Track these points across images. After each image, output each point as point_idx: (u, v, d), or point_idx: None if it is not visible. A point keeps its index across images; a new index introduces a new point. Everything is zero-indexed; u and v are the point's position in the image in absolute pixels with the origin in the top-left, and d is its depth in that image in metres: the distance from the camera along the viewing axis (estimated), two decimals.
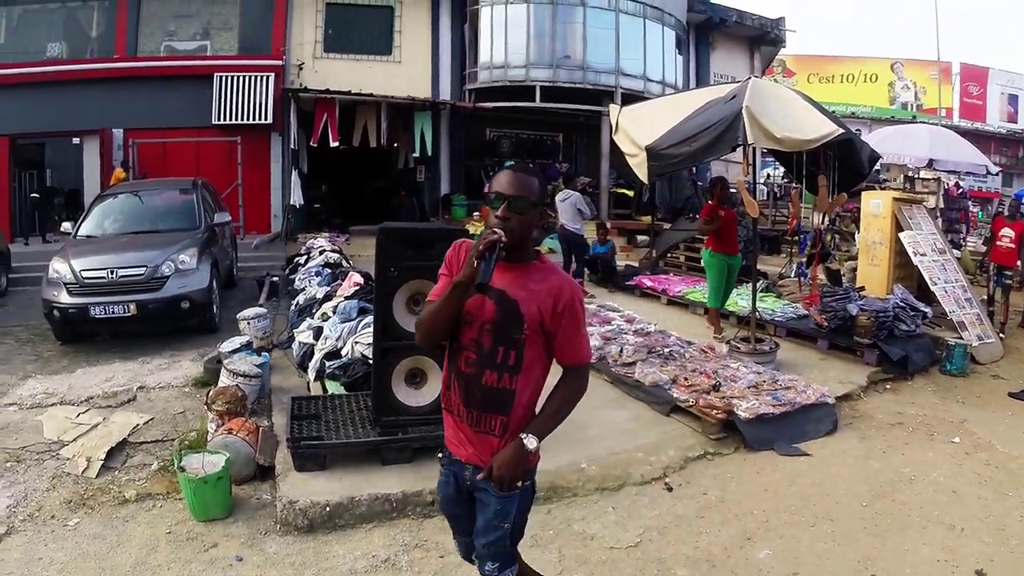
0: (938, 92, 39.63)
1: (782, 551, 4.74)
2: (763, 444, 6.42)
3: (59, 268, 9.82)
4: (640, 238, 20.37)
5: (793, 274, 12.92)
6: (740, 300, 10.49)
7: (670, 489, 5.63)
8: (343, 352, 7.64)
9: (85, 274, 9.63)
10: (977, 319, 10.12)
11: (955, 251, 12.88)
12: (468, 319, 2.90)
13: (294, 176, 20.60)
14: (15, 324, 11.43)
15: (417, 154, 22.08)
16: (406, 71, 22.74)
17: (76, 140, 20.75)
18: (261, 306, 10.66)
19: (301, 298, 10.48)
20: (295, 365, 8.46)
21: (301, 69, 21.69)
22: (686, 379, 7.41)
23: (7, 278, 14.31)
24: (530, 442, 2.86)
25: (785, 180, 24.44)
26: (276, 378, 7.96)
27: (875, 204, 11.41)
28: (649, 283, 13.59)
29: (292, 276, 13.30)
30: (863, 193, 12.19)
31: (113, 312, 9.50)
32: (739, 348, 8.79)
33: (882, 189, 15.34)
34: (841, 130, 8.31)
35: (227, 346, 8.01)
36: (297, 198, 20.57)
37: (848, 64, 45.19)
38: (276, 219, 21.43)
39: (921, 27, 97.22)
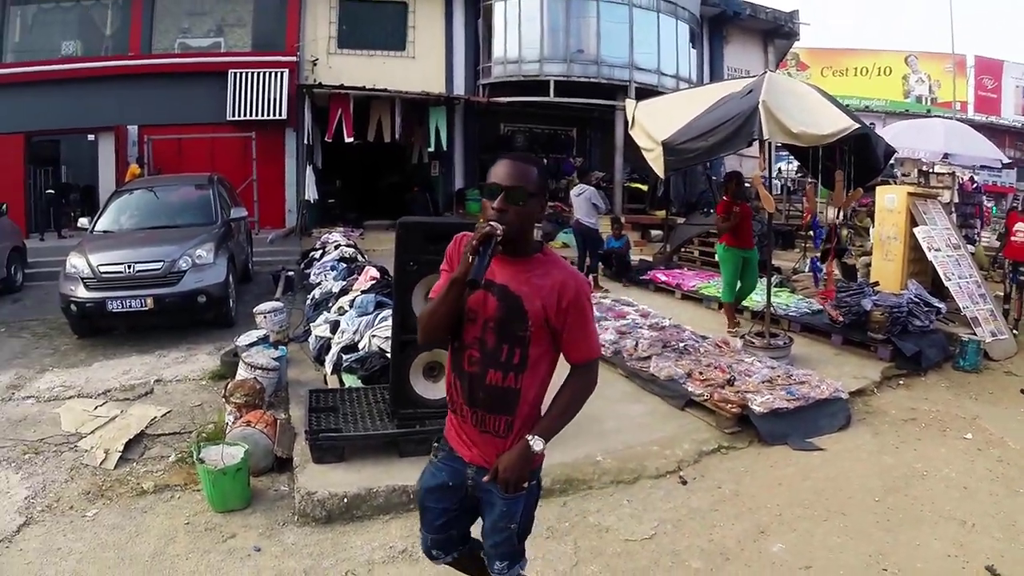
0: (952, 85, 39.36)
1: (795, 544, 4.77)
2: (777, 438, 6.44)
3: (76, 263, 9.88)
4: (654, 232, 20.35)
5: (807, 269, 12.90)
6: (754, 295, 10.50)
7: (685, 482, 5.66)
8: (360, 345, 7.67)
9: (102, 269, 9.70)
10: (991, 315, 10.09)
11: (969, 246, 12.83)
12: (471, 316, 2.81)
13: (308, 171, 20.64)
14: (31, 318, 11.52)
15: (432, 149, 22.10)
16: (420, 66, 22.73)
17: (91, 137, 20.89)
18: (277, 300, 10.71)
19: (317, 292, 10.52)
20: (311, 359, 8.50)
21: (315, 65, 21.71)
22: (701, 373, 7.44)
23: (23, 273, 14.39)
24: (537, 444, 2.79)
25: (799, 174, 24.40)
26: (293, 371, 8.01)
27: (889, 199, 11.38)
28: (663, 277, 13.58)
29: (307, 270, 13.37)
30: (878, 188, 12.14)
31: (130, 306, 9.56)
32: (753, 343, 8.80)
33: (896, 184, 15.32)
34: (857, 125, 8.31)
35: (244, 339, 8.03)
36: (312, 193, 20.61)
37: (862, 57, 44.85)
38: (290, 214, 21.50)
39: (936, 20, 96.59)
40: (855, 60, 44.76)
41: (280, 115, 20.71)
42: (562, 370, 2.95)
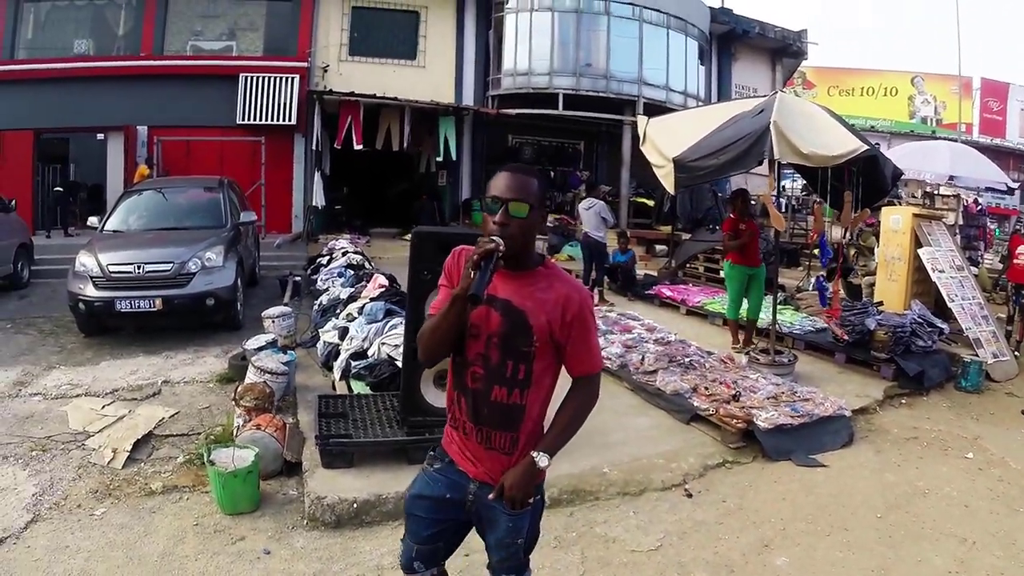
0: (958, 107, 39.40)
1: (799, 558, 4.81)
2: (781, 454, 6.49)
3: (86, 262, 9.89)
4: (658, 247, 20.41)
5: (811, 287, 12.94)
6: (761, 313, 10.53)
7: (690, 495, 5.71)
8: (370, 353, 7.71)
9: (112, 268, 9.72)
10: (993, 337, 10.13)
11: (973, 268, 12.87)
12: (474, 332, 2.76)
13: (317, 177, 20.76)
14: (37, 315, 11.55)
15: (441, 158, 22.19)
16: (430, 76, 22.87)
17: (100, 136, 21.01)
18: (285, 305, 10.76)
19: (324, 298, 10.57)
20: (319, 364, 8.53)
21: (326, 71, 21.84)
22: (706, 388, 7.49)
23: (29, 270, 14.42)
24: (542, 460, 2.76)
25: (803, 193, 24.43)
26: (300, 376, 8.02)
27: (895, 220, 11.42)
28: (669, 292, 13.60)
29: (314, 276, 13.44)
30: (884, 209, 12.20)
31: (139, 306, 9.58)
32: (758, 360, 8.85)
33: (899, 204, 15.36)
34: (866, 146, 8.38)
35: (253, 343, 8.10)
36: (319, 199, 20.73)
37: (868, 77, 44.91)
38: (297, 219, 21.62)
39: (942, 41, 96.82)
40: (861, 80, 44.82)
41: (290, 120, 20.83)
42: (563, 382, 2.93)
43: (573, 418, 2.85)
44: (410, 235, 5.83)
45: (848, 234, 11.37)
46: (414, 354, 5.68)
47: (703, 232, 17.94)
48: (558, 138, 26.01)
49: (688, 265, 16.50)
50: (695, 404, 7.15)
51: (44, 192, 20.43)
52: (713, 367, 8.46)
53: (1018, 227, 21.71)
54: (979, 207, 21.21)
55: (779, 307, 9.70)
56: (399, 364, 6.93)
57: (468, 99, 23.25)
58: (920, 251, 10.85)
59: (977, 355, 9.51)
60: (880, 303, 10.54)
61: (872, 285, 12.28)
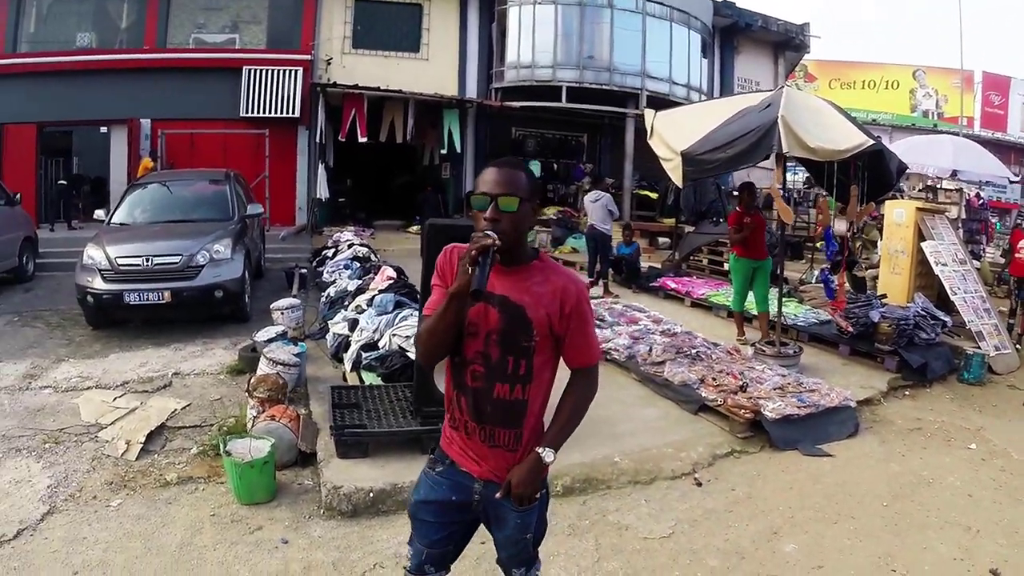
0: (960, 101, 39.36)
1: (807, 545, 4.89)
2: (788, 444, 6.56)
3: (94, 254, 9.91)
4: (661, 240, 20.46)
5: (815, 280, 13.00)
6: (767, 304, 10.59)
7: (700, 484, 5.79)
8: (380, 344, 7.77)
9: (120, 261, 9.74)
10: (995, 329, 10.18)
11: (975, 262, 12.92)
12: (472, 330, 2.70)
13: (320, 170, 20.77)
14: (44, 308, 11.58)
15: (445, 151, 22.19)
16: (433, 68, 22.88)
17: (104, 129, 21.05)
18: (294, 297, 10.81)
19: (332, 290, 10.62)
20: (328, 356, 8.59)
21: (329, 64, 21.85)
22: (714, 379, 7.55)
23: (34, 264, 14.47)
24: (547, 456, 2.74)
25: (805, 186, 24.45)
26: (310, 368, 8.07)
27: (898, 213, 11.46)
28: (673, 285, 13.67)
29: (320, 268, 13.47)
30: (887, 202, 12.24)
31: (148, 299, 9.61)
32: (764, 351, 8.91)
33: (901, 198, 15.40)
34: (872, 141, 8.44)
35: (263, 335, 8.13)
36: (323, 191, 20.75)
37: (870, 70, 44.86)
38: (301, 212, 21.66)
39: (945, 35, 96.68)
40: (863, 73, 44.80)
41: (293, 113, 20.83)
42: (561, 376, 2.90)
43: (575, 411, 2.85)
44: (417, 227, 5.87)
45: (854, 227, 11.40)
46: None
47: (707, 225, 17.99)
48: (561, 131, 26.00)
49: (692, 258, 16.54)
50: (703, 395, 7.21)
51: (48, 185, 20.47)
52: (720, 358, 8.51)
53: (1019, 222, 21.80)
54: (981, 201, 21.26)
55: (783, 299, 9.75)
56: (410, 355, 7.00)
57: (471, 92, 23.23)
58: (923, 244, 10.89)
59: (979, 348, 9.56)
60: (884, 296, 10.60)
61: (875, 278, 12.33)
